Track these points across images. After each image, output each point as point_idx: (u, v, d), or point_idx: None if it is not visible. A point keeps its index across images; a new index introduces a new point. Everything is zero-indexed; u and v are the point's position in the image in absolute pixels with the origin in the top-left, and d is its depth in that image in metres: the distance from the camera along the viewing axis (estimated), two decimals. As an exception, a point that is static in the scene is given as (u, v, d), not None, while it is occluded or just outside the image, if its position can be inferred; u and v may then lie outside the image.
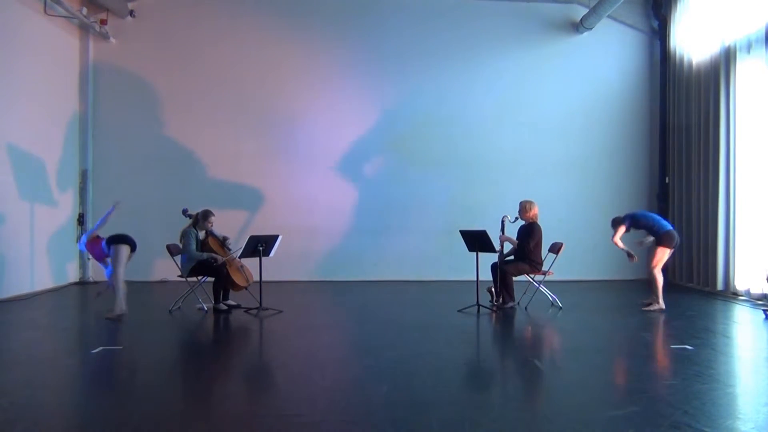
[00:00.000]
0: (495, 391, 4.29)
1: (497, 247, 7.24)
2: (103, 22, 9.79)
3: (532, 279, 7.38)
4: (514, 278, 7.29)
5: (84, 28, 9.82)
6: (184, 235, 7.07)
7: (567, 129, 10.44)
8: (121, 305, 6.59)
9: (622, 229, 7.17)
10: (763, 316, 6.71)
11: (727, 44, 8.47)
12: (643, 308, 7.16)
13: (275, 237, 7.21)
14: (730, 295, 8.30)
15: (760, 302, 7.52)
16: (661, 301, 7.12)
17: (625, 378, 4.67)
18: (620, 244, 7.12)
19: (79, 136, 9.94)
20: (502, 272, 7.18)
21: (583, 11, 10.28)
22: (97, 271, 9.62)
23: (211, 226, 7.22)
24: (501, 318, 6.81)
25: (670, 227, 7.26)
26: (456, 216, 9.93)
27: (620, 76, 10.58)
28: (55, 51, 9.33)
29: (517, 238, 7.38)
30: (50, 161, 9.15)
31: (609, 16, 10.17)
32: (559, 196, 10.17)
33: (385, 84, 10.39)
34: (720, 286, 8.51)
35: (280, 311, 7.03)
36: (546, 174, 10.33)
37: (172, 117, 10.19)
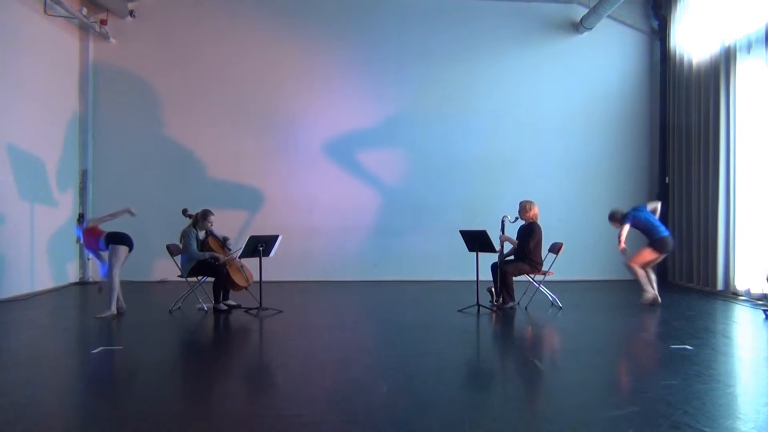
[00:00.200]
0: (495, 391, 4.29)
1: (497, 247, 7.24)
2: (103, 23, 9.80)
3: (532, 279, 7.38)
4: (514, 278, 7.29)
5: (84, 29, 9.83)
6: (185, 236, 7.06)
7: (567, 129, 10.45)
8: (113, 306, 6.60)
9: (627, 228, 7.34)
10: (763, 316, 6.70)
11: (727, 44, 8.47)
12: (641, 301, 7.38)
13: (275, 237, 7.21)
14: (730, 295, 8.30)
15: (760, 302, 7.52)
16: (649, 288, 7.32)
17: (625, 378, 4.67)
18: (623, 244, 7.29)
19: (79, 136, 9.94)
20: (502, 272, 7.17)
21: (583, 11, 10.28)
22: (97, 271, 9.61)
23: (211, 225, 7.22)
24: (501, 318, 6.81)
25: (666, 234, 7.42)
26: (456, 216, 9.93)
27: (620, 76, 10.58)
28: (55, 51, 9.33)
29: (517, 238, 7.38)
30: (50, 161, 9.16)
31: (609, 16, 10.18)
32: (559, 196, 10.18)
33: (385, 84, 10.39)
34: (720, 286, 8.52)
35: (280, 311, 7.03)
36: (546, 174, 10.33)
37: (172, 117, 10.19)
